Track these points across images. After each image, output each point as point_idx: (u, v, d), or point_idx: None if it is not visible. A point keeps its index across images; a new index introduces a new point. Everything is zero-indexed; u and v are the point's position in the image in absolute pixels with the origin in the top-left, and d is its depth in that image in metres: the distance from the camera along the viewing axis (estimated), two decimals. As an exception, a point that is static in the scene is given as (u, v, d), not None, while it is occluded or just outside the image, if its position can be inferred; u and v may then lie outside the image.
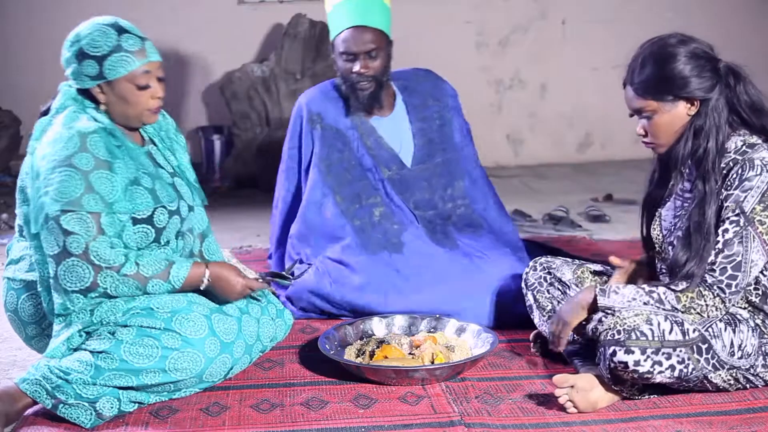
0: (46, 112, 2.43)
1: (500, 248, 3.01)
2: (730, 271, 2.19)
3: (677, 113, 2.26)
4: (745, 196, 2.19)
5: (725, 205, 2.22)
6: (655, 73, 2.25)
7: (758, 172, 2.20)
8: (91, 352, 2.25)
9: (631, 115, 2.34)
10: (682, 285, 2.21)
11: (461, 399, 2.34)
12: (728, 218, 2.20)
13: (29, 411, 2.29)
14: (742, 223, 2.19)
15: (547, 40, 6.57)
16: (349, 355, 2.59)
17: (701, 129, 2.25)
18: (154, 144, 2.51)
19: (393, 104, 3.15)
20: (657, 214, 2.42)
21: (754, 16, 6.70)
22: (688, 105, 2.25)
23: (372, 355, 2.54)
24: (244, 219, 4.79)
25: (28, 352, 2.83)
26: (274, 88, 5.84)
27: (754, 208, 2.19)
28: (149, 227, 2.36)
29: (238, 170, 5.65)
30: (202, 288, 2.39)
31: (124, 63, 2.31)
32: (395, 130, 3.13)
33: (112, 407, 2.23)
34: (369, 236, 3.02)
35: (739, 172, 2.21)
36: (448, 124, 3.16)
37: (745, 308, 2.29)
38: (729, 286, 2.19)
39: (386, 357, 2.50)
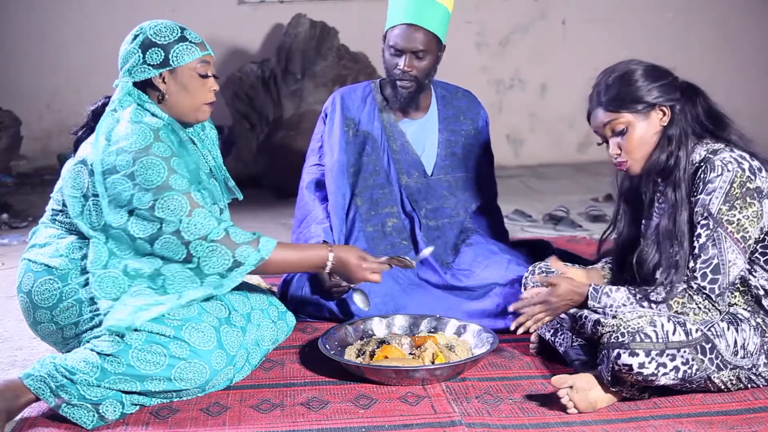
0: (96, 111, 2.48)
1: (490, 256, 3.01)
2: (710, 275, 2.21)
3: (651, 123, 2.31)
4: (710, 199, 2.23)
5: (695, 210, 2.26)
6: (620, 87, 2.31)
7: (719, 173, 2.23)
8: (98, 353, 2.25)
9: (600, 144, 2.39)
10: (663, 293, 2.24)
11: (461, 399, 2.34)
12: (699, 223, 2.24)
13: (30, 409, 2.29)
14: (711, 226, 2.22)
15: (547, 40, 6.58)
16: (350, 355, 2.59)
17: (672, 137, 2.30)
18: (194, 143, 2.54)
19: (427, 108, 3.17)
20: (640, 236, 2.45)
21: (753, 17, 6.71)
22: (660, 114, 2.30)
23: (372, 355, 2.54)
24: (245, 219, 4.79)
25: (29, 352, 2.83)
26: (274, 88, 5.84)
27: (720, 209, 2.22)
28: None
29: (239, 170, 5.66)
30: (326, 271, 2.51)
31: (188, 51, 2.41)
32: (422, 134, 3.16)
33: (115, 411, 2.24)
34: (378, 245, 3.05)
35: (702, 176, 2.25)
36: (473, 146, 3.20)
37: (745, 308, 2.29)
38: (713, 290, 2.22)
39: (386, 357, 2.50)
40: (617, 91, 2.31)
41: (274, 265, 2.42)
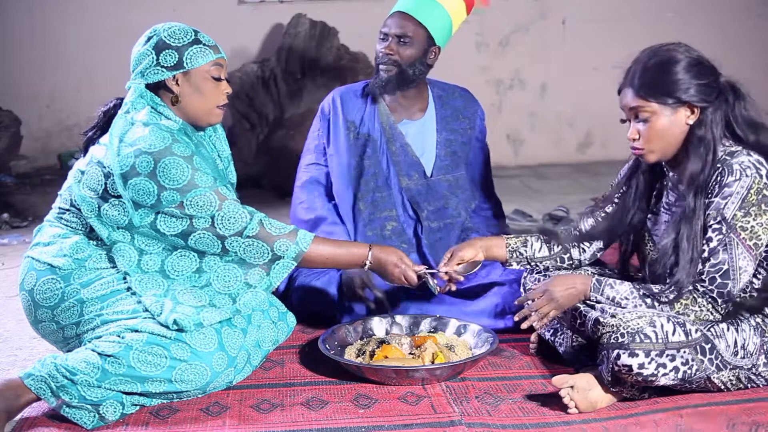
0: (108, 112, 2.48)
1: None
2: (719, 280, 2.20)
3: (676, 120, 2.25)
4: (726, 203, 2.19)
5: (708, 212, 2.22)
6: (657, 75, 2.23)
7: (737, 177, 2.19)
8: (99, 354, 2.25)
9: (623, 121, 2.33)
10: (672, 295, 2.23)
11: (461, 399, 2.34)
12: (711, 226, 2.21)
13: (30, 409, 2.29)
14: (724, 231, 2.19)
15: (547, 40, 6.58)
16: (350, 355, 2.59)
17: (702, 140, 2.24)
18: (203, 147, 2.56)
19: (425, 109, 3.18)
20: (645, 231, 2.44)
21: (753, 17, 6.71)
22: (689, 113, 2.25)
23: (372, 355, 2.54)
24: (244, 219, 4.79)
25: (29, 352, 2.83)
26: (274, 88, 5.84)
27: (735, 215, 2.19)
28: None
29: (239, 170, 5.61)
30: (365, 269, 2.52)
31: (202, 54, 2.43)
32: (421, 135, 3.16)
33: (115, 411, 2.24)
34: None
35: (719, 179, 2.21)
36: (472, 144, 3.20)
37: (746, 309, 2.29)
38: (720, 294, 2.20)
39: (386, 357, 2.50)
40: (652, 77, 2.24)
41: (311, 259, 2.44)
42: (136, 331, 2.29)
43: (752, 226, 2.19)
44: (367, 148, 3.10)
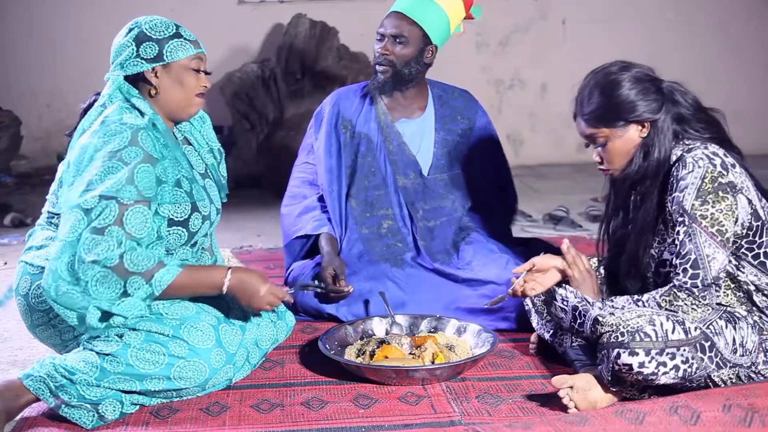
0: (88, 109, 2.46)
1: (489, 255, 3.01)
2: (690, 270, 2.23)
3: (629, 137, 2.34)
4: (683, 195, 2.25)
5: (672, 208, 2.28)
6: (602, 101, 2.33)
7: (690, 169, 2.25)
8: (97, 353, 2.25)
9: (587, 146, 2.43)
10: (633, 304, 2.28)
11: (461, 399, 2.34)
12: (677, 221, 2.27)
13: (30, 409, 2.29)
14: (687, 222, 2.24)
15: (547, 40, 6.59)
16: (350, 355, 2.59)
17: (648, 151, 2.33)
18: (189, 143, 2.54)
19: (425, 108, 3.19)
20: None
21: (753, 17, 6.71)
22: (640, 127, 2.33)
23: (372, 355, 2.54)
24: (245, 219, 4.80)
25: (29, 352, 2.83)
26: (274, 88, 5.84)
27: (693, 205, 2.24)
28: (183, 230, 2.38)
29: (238, 170, 5.66)
30: (223, 292, 2.34)
31: (183, 48, 2.41)
32: (419, 134, 3.17)
33: (114, 410, 2.24)
34: (374, 246, 3.06)
35: (675, 173, 2.29)
36: (471, 144, 3.21)
37: (739, 306, 2.30)
38: (695, 285, 2.23)
39: (386, 357, 2.50)
40: (598, 105, 2.33)
41: (168, 293, 2.27)
42: (134, 329, 2.29)
43: (711, 213, 2.23)
44: (361, 146, 3.12)
